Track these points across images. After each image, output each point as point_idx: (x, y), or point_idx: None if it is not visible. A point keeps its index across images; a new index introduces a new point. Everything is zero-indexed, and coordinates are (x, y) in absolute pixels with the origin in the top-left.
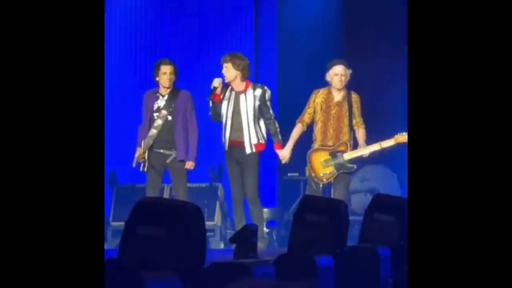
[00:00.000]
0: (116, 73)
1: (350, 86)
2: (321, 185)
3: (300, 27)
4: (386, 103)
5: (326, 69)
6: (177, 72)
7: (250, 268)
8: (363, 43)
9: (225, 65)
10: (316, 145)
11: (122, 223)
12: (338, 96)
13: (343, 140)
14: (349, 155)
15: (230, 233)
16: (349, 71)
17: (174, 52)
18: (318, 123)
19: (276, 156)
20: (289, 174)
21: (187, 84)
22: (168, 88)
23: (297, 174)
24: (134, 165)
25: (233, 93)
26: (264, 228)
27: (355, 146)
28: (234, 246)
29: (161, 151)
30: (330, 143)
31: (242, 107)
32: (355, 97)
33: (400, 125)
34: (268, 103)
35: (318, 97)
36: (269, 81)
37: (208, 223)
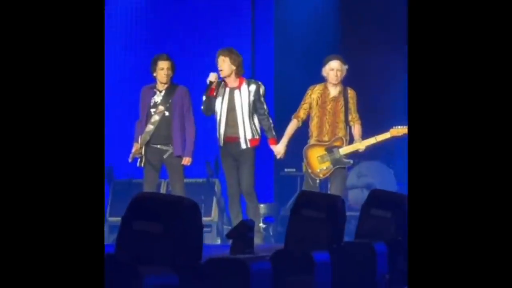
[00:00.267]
0: (113, 68)
1: (346, 81)
2: (317, 181)
3: (297, 23)
4: (382, 98)
5: (322, 64)
6: (174, 68)
7: (247, 264)
8: (359, 39)
9: (222, 58)
10: (312, 141)
11: (119, 219)
12: (334, 91)
13: (339, 135)
14: (345, 150)
15: (226, 228)
16: (345, 67)
17: (171, 48)
18: (314, 119)
19: (273, 151)
20: (285, 170)
21: (184, 80)
22: (165, 83)
23: (293, 169)
24: (130, 160)
25: (227, 89)
26: (261, 224)
27: (351, 141)
28: (230, 241)
29: (158, 146)
30: (326, 138)
31: (237, 102)
32: (351, 92)
33: (396, 120)
34: (262, 99)
35: (314, 93)
36: (265, 76)
37: (204, 219)
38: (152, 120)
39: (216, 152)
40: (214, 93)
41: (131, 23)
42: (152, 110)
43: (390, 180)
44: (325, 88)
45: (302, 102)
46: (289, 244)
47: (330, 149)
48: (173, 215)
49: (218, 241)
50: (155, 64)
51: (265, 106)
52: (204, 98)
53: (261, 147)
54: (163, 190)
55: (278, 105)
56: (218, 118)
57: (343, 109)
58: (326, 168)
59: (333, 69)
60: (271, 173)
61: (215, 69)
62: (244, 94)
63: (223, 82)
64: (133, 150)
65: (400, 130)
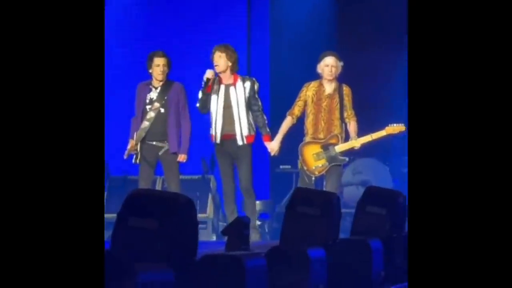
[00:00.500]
0: (108, 65)
1: (341, 79)
2: (313, 178)
3: (292, 20)
4: (377, 96)
5: (317, 61)
6: (170, 65)
7: (242, 260)
8: (355, 36)
9: (218, 53)
10: (307, 138)
11: (114, 215)
12: (329, 88)
13: (334, 132)
14: (340, 148)
15: (222, 225)
16: (340, 63)
17: (167, 45)
18: (310, 116)
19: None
20: (281, 167)
21: (179, 77)
22: (161, 80)
23: (289, 166)
24: (125, 157)
25: (222, 86)
26: (256, 221)
27: (346, 138)
28: (226, 238)
29: (154, 143)
30: (321, 135)
31: (233, 99)
32: (346, 89)
33: (392, 118)
34: (257, 95)
35: (309, 90)
36: (261, 74)
37: (200, 215)
38: (148, 116)
39: (211, 148)
40: (210, 90)
41: (127, 20)
42: (148, 106)
43: (386, 177)
44: (320, 85)
45: (297, 99)
46: (285, 241)
47: (325, 147)
48: (168, 211)
49: (214, 238)
50: (151, 60)
51: (259, 103)
52: (200, 95)
53: (257, 144)
54: (158, 186)
55: (273, 102)
56: (214, 115)
57: (338, 106)
58: (322, 166)
59: (328, 65)
60: (267, 170)
61: (210, 66)
62: (240, 91)
63: (217, 79)
64: (129, 146)
65: (396, 127)
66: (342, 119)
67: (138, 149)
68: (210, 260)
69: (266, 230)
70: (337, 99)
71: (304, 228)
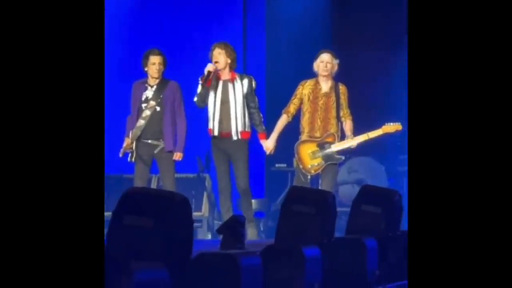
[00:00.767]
0: (104, 64)
1: (338, 77)
2: (309, 177)
3: (288, 19)
4: (374, 94)
5: (314, 60)
6: (166, 63)
7: (237, 259)
8: (352, 34)
9: (218, 50)
10: (303, 137)
11: (110, 213)
12: (325, 87)
13: (330, 131)
14: (337, 147)
15: (217, 223)
16: (336, 61)
17: (163, 43)
18: (306, 114)
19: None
20: (276, 165)
21: (175, 75)
22: (156, 78)
23: (284, 165)
24: (121, 155)
25: (221, 82)
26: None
27: (342, 137)
28: (221, 236)
29: (149, 141)
30: (317, 134)
31: (231, 95)
32: (342, 88)
33: (388, 116)
34: (254, 93)
35: (305, 88)
36: (257, 72)
37: (195, 214)
38: (143, 115)
39: (207, 147)
40: (210, 84)
41: (123, 19)
42: (144, 105)
43: (381, 175)
44: (317, 83)
45: (293, 97)
46: (280, 239)
47: (321, 145)
48: (163, 210)
49: (209, 236)
50: (147, 58)
51: (256, 100)
52: (199, 89)
53: (252, 142)
54: (153, 185)
55: (269, 101)
56: (212, 111)
57: (334, 105)
58: (318, 164)
59: (323, 61)
60: (262, 169)
61: (206, 64)
62: (238, 87)
63: (216, 74)
64: (124, 145)
65: (393, 126)
66: (338, 117)
67: (134, 147)
68: (205, 258)
69: (261, 229)
70: (333, 97)
71: (299, 226)
